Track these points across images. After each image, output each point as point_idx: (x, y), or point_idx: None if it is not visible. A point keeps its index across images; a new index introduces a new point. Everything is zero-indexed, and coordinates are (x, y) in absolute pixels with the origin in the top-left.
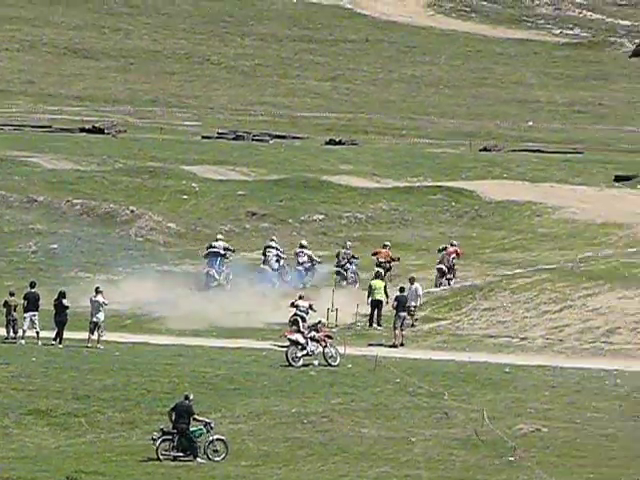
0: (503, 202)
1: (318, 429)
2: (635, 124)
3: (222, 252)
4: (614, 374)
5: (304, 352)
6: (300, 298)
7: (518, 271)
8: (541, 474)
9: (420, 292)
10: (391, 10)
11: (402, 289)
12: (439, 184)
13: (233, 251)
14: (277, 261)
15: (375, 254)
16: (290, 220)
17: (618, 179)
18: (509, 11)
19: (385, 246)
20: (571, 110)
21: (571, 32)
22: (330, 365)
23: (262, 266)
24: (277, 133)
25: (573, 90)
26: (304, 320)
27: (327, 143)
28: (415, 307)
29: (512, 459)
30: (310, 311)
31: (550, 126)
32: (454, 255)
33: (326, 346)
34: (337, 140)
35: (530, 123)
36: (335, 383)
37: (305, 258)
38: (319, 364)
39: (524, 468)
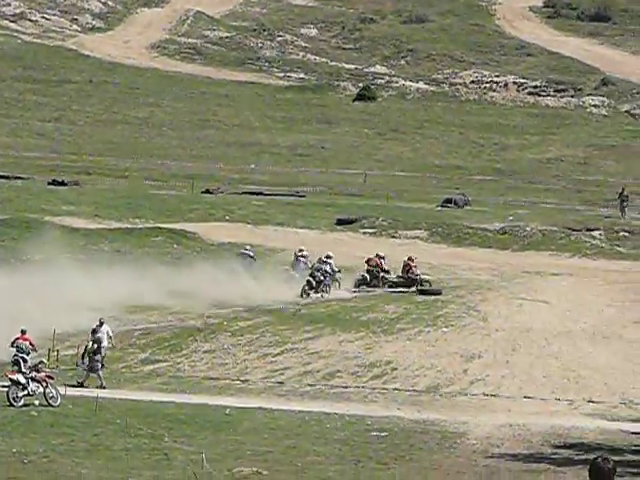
0: (225, 244)
1: (38, 469)
2: (357, 167)
3: None
4: (334, 417)
5: (25, 392)
6: (23, 333)
7: (240, 314)
8: None
9: (111, 333)
10: (115, 52)
11: None
12: (161, 225)
13: None
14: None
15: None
16: (12, 260)
17: (340, 222)
18: (233, 54)
19: (378, 256)
20: (294, 153)
21: (295, 75)
22: (51, 405)
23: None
24: (0, 173)
25: (296, 133)
26: (25, 361)
27: (50, 184)
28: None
29: None
30: (32, 351)
31: (273, 169)
32: None
33: (47, 386)
34: (60, 181)
35: (253, 166)
36: (56, 423)
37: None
38: (40, 404)
39: None
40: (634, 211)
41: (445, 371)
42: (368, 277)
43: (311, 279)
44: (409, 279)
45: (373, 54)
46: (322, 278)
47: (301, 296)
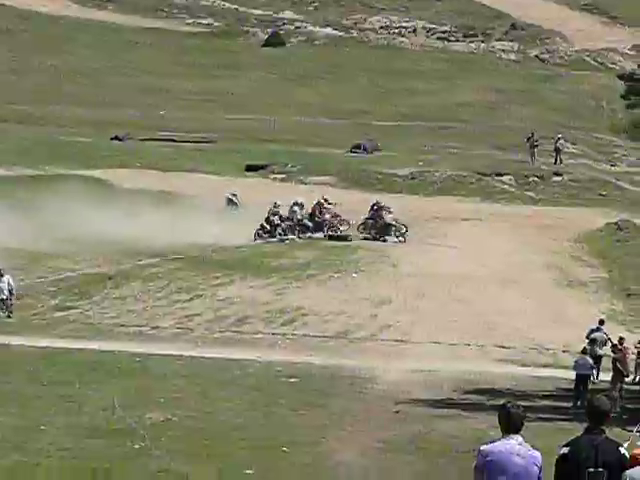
0: (136, 190)
1: None
2: (266, 113)
3: None
4: (245, 363)
5: None
6: None
7: (150, 260)
8: (171, 462)
9: (12, 284)
10: (30, 0)
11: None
12: (73, 172)
13: None
14: None
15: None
16: None
17: (250, 168)
18: (144, 1)
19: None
20: (203, 99)
21: (204, 21)
22: None
23: None
24: None
25: (206, 79)
26: None
27: None
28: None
29: (143, 445)
30: None
31: (182, 115)
32: None
33: None
34: None
35: (163, 112)
36: None
37: None
38: None
39: (154, 456)
40: (543, 156)
41: (355, 317)
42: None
43: (265, 223)
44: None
45: (282, 0)
46: (278, 222)
47: (254, 239)
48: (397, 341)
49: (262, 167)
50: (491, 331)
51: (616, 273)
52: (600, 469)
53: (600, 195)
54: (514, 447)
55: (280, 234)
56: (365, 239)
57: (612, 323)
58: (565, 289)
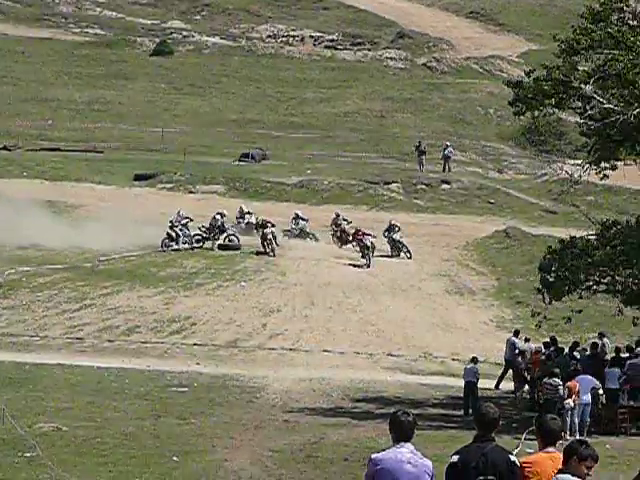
0: (23, 200)
1: None
2: (154, 123)
3: None
4: (134, 373)
5: None
6: None
7: (38, 270)
8: (61, 473)
9: None
10: None
11: None
12: None
13: None
14: None
15: None
16: None
17: (138, 178)
18: (29, 10)
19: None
20: (91, 109)
21: (92, 31)
22: None
23: None
24: None
25: (93, 89)
26: None
27: None
28: None
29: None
30: None
31: (70, 125)
32: None
33: None
34: None
35: (50, 122)
36: None
37: None
38: None
39: (44, 466)
40: (432, 164)
41: (244, 325)
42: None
43: (170, 231)
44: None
45: (169, 9)
46: (179, 233)
47: (162, 247)
48: (286, 349)
49: (150, 176)
50: (380, 339)
51: (504, 281)
52: (490, 477)
53: (489, 202)
54: (405, 455)
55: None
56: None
57: (501, 331)
58: (454, 297)
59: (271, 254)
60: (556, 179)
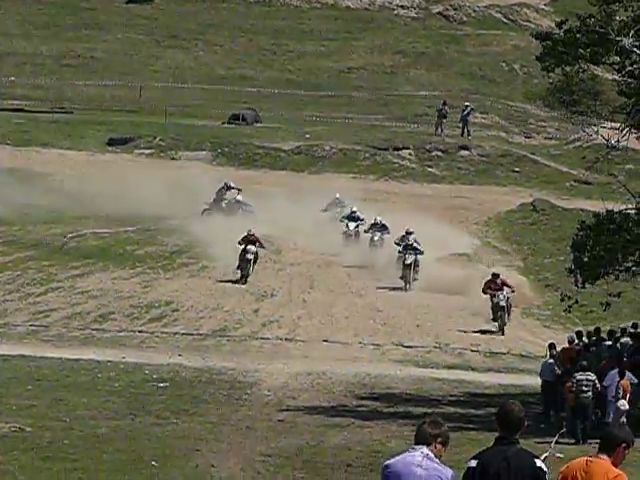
0: None
1: None
2: (132, 80)
3: None
4: (107, 366)
5: None
6: None
7: None
8: (24, 479)
9: None
10: None
11: None
12: None
13: None
14: None
15: None
16: None
17: (112, 142)
18: None
19: None
20: (60, 64)
21: None
22: None
23: None
24: None
25: (62, 41)
26: None
27: None
28: None
29: None
30: None
31: (35, 82)
32: None
33: None
34: None
35: (12, 78)
36: None
37: None
38: None
39: (4, 473)
40: (449, 127)
41: (233, 312)
42: None
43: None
44: None
45: None
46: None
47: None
48: (282, 339)
49: (126, 141)
50: (389, 328)
51: (531, 261)
52: None
53: (513, 171)
54: (415, 458)
55: None
56: None
57: (527, 319)
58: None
59: (242, 281)
60: (590, 145)
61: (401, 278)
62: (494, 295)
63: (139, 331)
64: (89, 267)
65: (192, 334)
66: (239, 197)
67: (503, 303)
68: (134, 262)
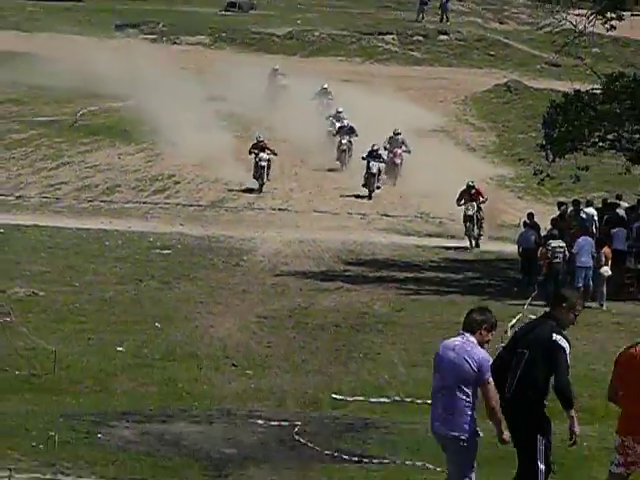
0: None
1: None
2: None
3: None
4: (114, 234)
5: None
6: None
7: (12, 125)
8: (37, 340)
9: None
10: None
11: None
12: None
13: None
14: None
15: None
16: None
17: (119, 28)
18: None
19: None
20: None
21: None
22: None
23: None
24: None
25: None
26: None
27: None
28: None
29: (8, 321)
30: None
31: None
32: None
33: None
34: None
35: None
36: None
37: None
38: None
39: (19, 333)
40: (429, 14)
41: (230, 184)
42: None
43: None
44: None
45: None
46: None
47: None
48: (275, 209)
49: (132, 27)
50: (374, 199)
51: (505, 137)
52: (523, 349)
53: (488, 54)
54: (454, 342)
55: None
56: None
57: (502, 190)
58: (452, 154)
59: (258, 190)
60: (560, 30)
61: (364, 186)
62: (467, 207)
63: (144, 202)
64: (97, 143)
65: (192, 205)
66: (284, 82)
67: (470, 212)
68: (139, 138)
